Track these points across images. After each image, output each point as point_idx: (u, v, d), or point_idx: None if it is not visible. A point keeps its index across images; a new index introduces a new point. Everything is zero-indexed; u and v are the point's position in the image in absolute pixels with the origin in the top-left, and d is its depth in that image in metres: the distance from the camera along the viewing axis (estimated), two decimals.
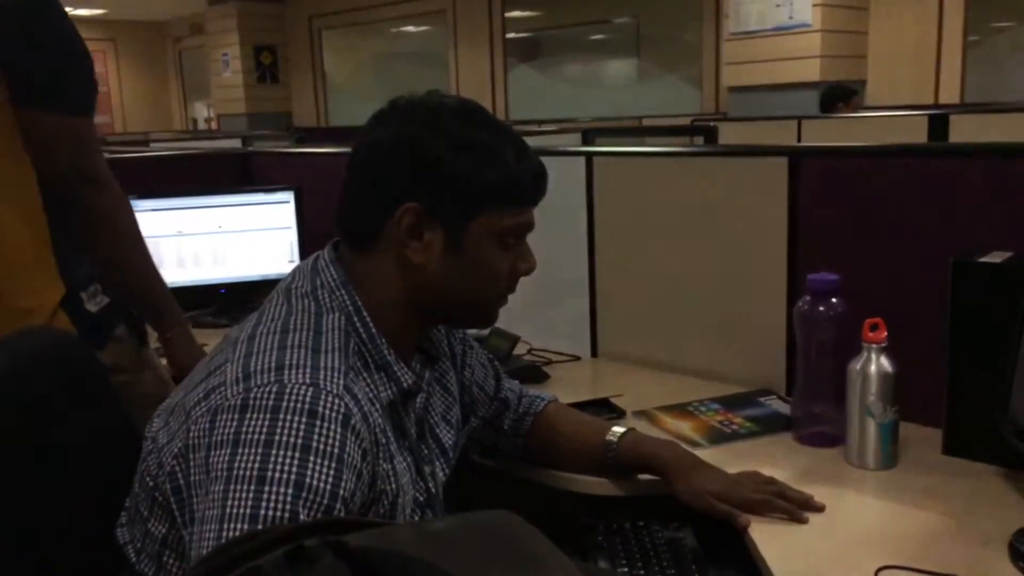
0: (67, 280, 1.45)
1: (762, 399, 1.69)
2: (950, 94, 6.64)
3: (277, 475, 0.88)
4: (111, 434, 1.14)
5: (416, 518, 1.09)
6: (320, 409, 0.93)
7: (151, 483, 1.01)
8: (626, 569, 1.19)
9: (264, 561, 0.41)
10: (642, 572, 1.18)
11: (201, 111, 13.72)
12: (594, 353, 2.04)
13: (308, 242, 2.46)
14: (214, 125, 12.55)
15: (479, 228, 1.06)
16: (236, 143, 4.95)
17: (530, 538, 0.46)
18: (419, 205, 1.04)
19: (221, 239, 2.42)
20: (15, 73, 1.37)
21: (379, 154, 1.07)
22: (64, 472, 1.06)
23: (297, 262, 2.54)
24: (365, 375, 1.04)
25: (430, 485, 1.14)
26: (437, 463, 1.18)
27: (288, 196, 2.51)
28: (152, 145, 5.65)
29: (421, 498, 1.12)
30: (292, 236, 2.51)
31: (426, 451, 1.16)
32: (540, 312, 2.04)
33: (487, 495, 1.55)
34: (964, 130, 3.64)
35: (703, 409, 1.65)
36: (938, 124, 3.71)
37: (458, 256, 1.07)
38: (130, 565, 1.03)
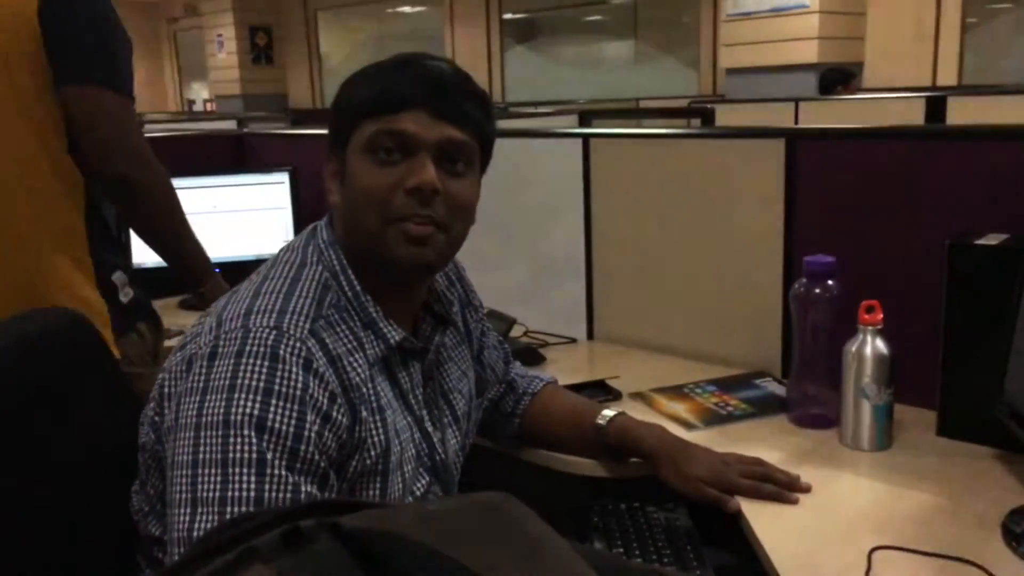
0: (103, 270, 1.53)
1: (758, 381, 1.70)
2: (948, 76, 6.63)
3: (239, 419, 0.89)
4: (123, 408, 1.15)
5: (423, 483, 1.09)
6: (281, 352, 0.94)
7: (143, 441, 1.04)
8: (622, 550, 1.19)
9: (259, 542, 0.41)
10: (637, 552, 1.19)
11: (200, 92, 13.63)
12: (590, 335, 2.04)
13: (303, 222, 2.46)
14: (211, 107, 12.47)
15: (353, 147, 1.06)
16: (231, 124, 4.93)
17: (527, 520, 0.46)
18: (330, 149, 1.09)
19: (217, 219, 2.42)
20: (64, 47, 1.41)
21: None
22: (79, 448, 1.07)
23: None
24: (345, 327, 1.03)
25: (438, 451, 1.13)
26: (449, 430, 1.18)
27: (283, 177, 2.53)
28: (147, 126, 5.61)
29: (428, 462, 1.11)
30: (287, 216, 2.52)
31: (437, 414, 1.16)
32: (536, 294, 2.04)
33: (483, 476, 1.55)
34: (962, 112, 3.63)
35: (699, 391, 1.66)
36: (936, 106, 3.70)
37: (345, 183, 1.07)
38: (143, 528, 1.06)
